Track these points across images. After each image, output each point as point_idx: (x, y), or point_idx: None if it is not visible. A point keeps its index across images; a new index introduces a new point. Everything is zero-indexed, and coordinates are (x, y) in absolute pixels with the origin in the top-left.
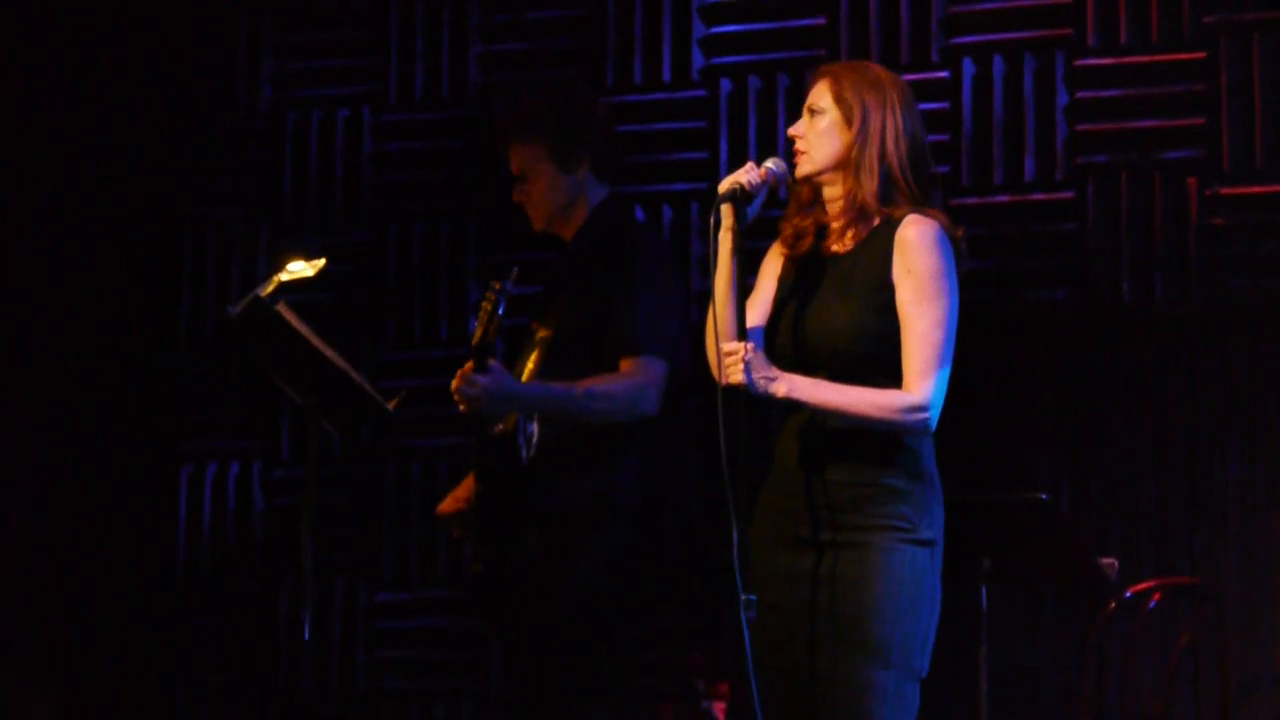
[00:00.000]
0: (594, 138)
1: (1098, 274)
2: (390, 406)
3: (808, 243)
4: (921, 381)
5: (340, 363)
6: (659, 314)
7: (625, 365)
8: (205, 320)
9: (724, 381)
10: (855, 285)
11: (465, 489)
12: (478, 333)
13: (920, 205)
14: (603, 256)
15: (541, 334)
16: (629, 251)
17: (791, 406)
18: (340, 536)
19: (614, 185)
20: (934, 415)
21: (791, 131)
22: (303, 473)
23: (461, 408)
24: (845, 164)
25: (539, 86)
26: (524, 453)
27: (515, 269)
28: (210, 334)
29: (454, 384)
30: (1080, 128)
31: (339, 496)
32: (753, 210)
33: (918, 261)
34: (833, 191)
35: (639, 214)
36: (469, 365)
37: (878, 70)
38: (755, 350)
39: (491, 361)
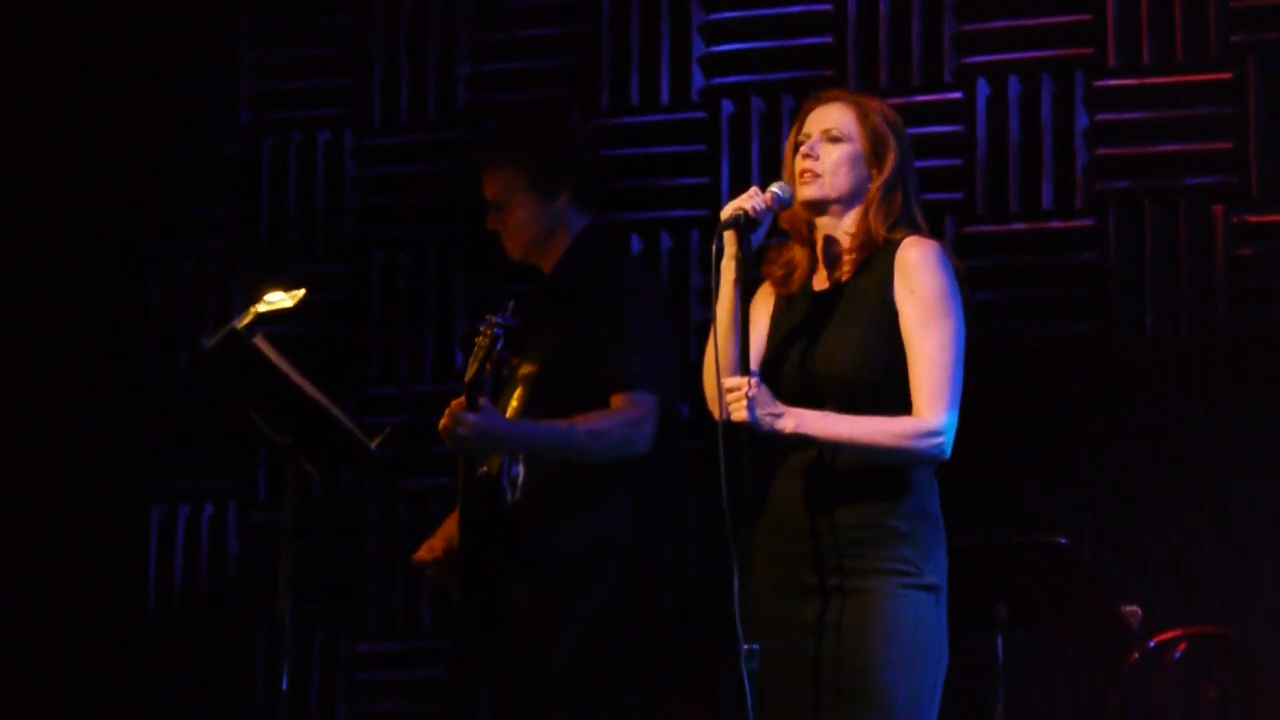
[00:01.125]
0: (575, 164)
1: (1119, 307)
2: (373, 445)
3: (799, 278)
4: (933, 405)
5: (321, 399)
6: (650, 348)
7: (617, 401)
8: (178, 354)
9: (726, 418)
10: (857, 311)
11: (443, 536)
12: (471, 368)
13: (920, 231)
14: (588, 288)
15: (525, 370)
16: (616, 282)
17: (792, 445)
18: (320, 583)
19: (596, 214)
20: (948, 441)
21: (806, 152)
22: (281, 515)
23: (453, 444)
24: (858, 198)
25: (517, 109)
26: (509, 495)
27: (511, 302)
28: (183, 368)
29: (442, 422)
30: (1101, 152)
31: (319, 541)
32: (757, 238)
33: (921, 282)
34: (835, 222)
35: (635, 243)
36: (458, 402)
37: (884, 104)
38: (759, 385)
39: (482, 400)
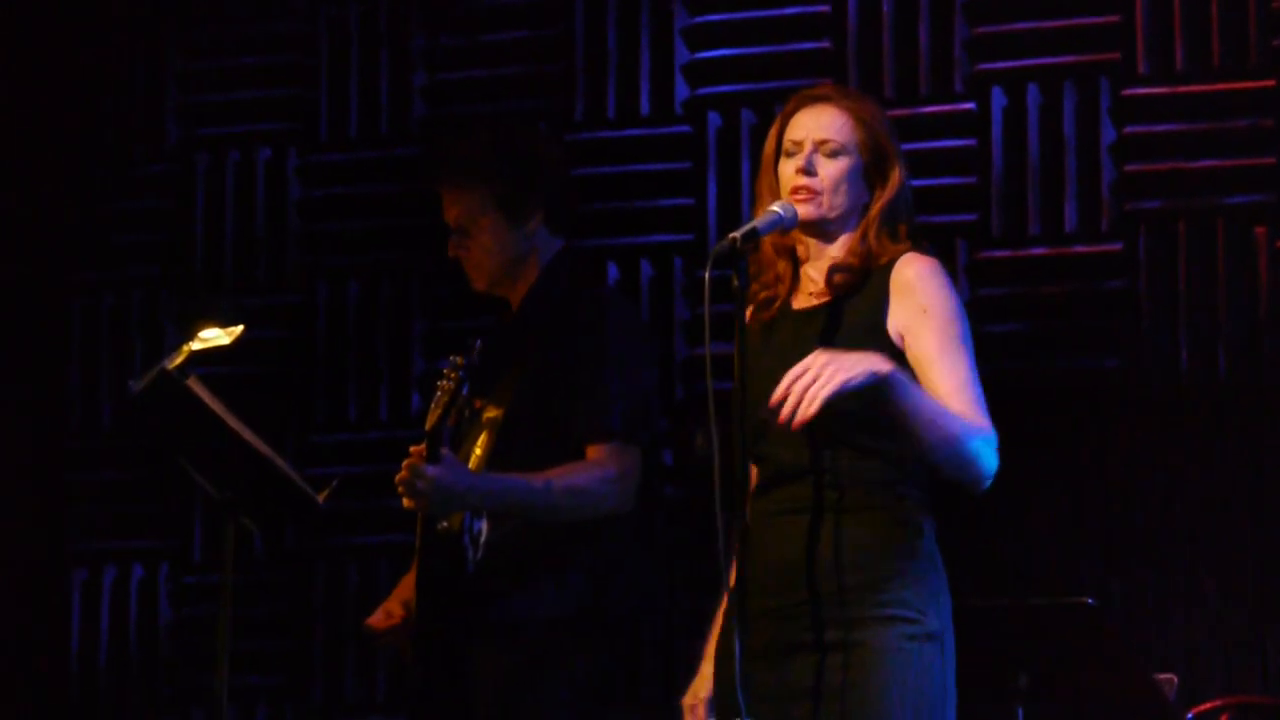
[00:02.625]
0: (548, 183)
1: (1150, 341)
2: (321, 498)
3: (780, 298)
4: (979, 420)
5: (262, 447)
6: (632, 393)
7: (594, 453)
8: (101, 398)
9: (800, 416)
10: (842, 335)
11: (399, 600)
12: (433, 415)
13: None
14: (562, 323)
15: (490, 413)
16: (594, 317)
17: (776, 480)
18: (262, 653)
19: (568, 238)
20: (996, 456)
21: (801, 167)
22: (218, 578)
23: (406, 503)
24: (854, 216)
25: (481, 123)
26: (471, 554)
27: (478, 341)
28: (108, 414)
29: (399, 475)
30: (1129, 168)
31: (261, 606)
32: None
33: (933, 301)
34: (823, 244)
35: (612, 270)
36: (416, 452)
37: (879, 108)
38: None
39: (444, 450)
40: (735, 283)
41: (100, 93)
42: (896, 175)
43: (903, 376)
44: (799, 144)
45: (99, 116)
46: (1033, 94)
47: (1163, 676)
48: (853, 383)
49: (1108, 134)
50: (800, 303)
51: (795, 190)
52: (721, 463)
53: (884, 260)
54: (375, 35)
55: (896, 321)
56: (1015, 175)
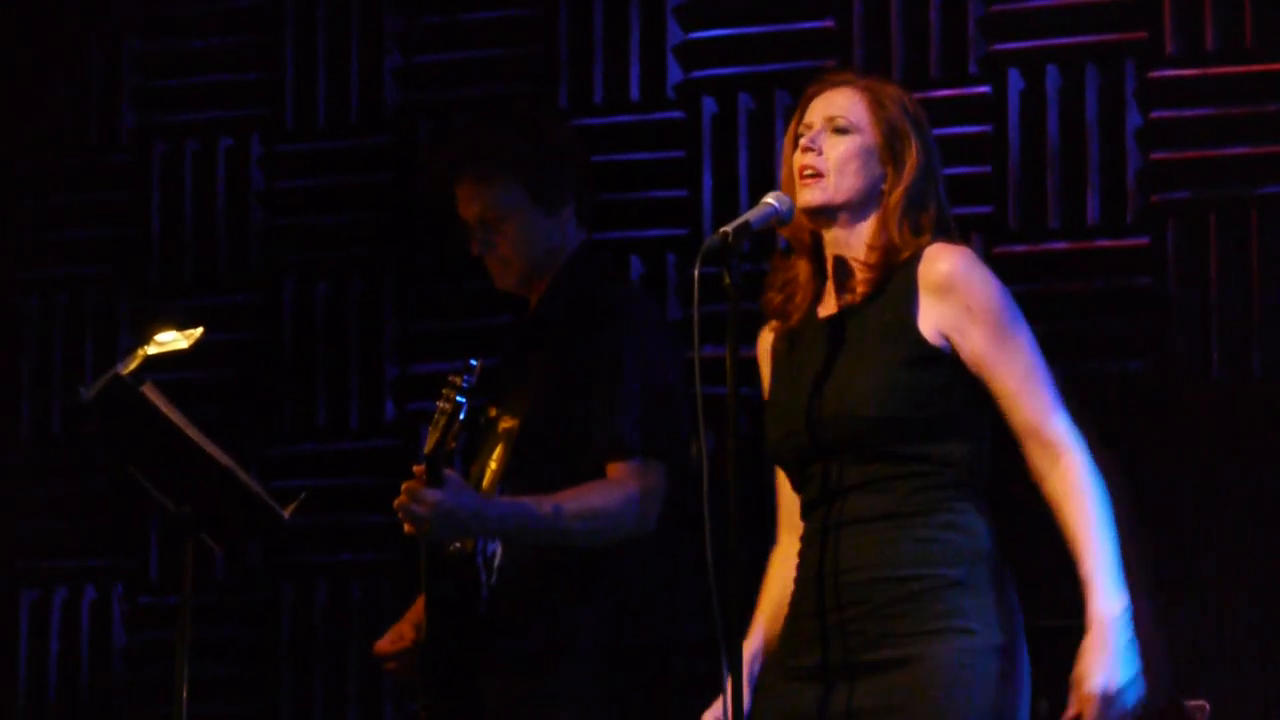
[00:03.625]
0: (578, 167)
1: (1180, 341)
2: (286, 513)
3: (802, 304)
4: (1064, 424)
5: (223, 458)
6: (657, 406)
7: (614, 471)
8: (51, 406)
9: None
10: (871, 337)
11: (413, 622)
12: (432, 437)
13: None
14: (583, 326)
15: (506, 424)
16: (612, 319)
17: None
18: (224, 679)
19: (590, 231)
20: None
21: (806, 144)
22: (176, 599)
23: (407, 528)
24: (871, 203)
25: (494, 106)
26: (485, 578)
27: (477, 362)
28: (57, 424)
29: (399, 499)
30: (1156, 156)
31: (222, 629)
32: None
33: (976, 295)
34: (845, 235)
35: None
36: (418, 473)
37: (905, 93)
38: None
39: (448, 472)
40: (727, 281)
41: (50, 76)
42: (914, 156)
43: (1127, 612)
44: (809, 127)
45: (49, 102)
46: (1052, 76)
47: (1193, 704)
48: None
49: (1133, 119)
50: (824, 309)
51: (801, 172)
52: (711, 473)
53: (905, 255)
54: (345, 15)
55: (937, 323)
56: (1033, 164)
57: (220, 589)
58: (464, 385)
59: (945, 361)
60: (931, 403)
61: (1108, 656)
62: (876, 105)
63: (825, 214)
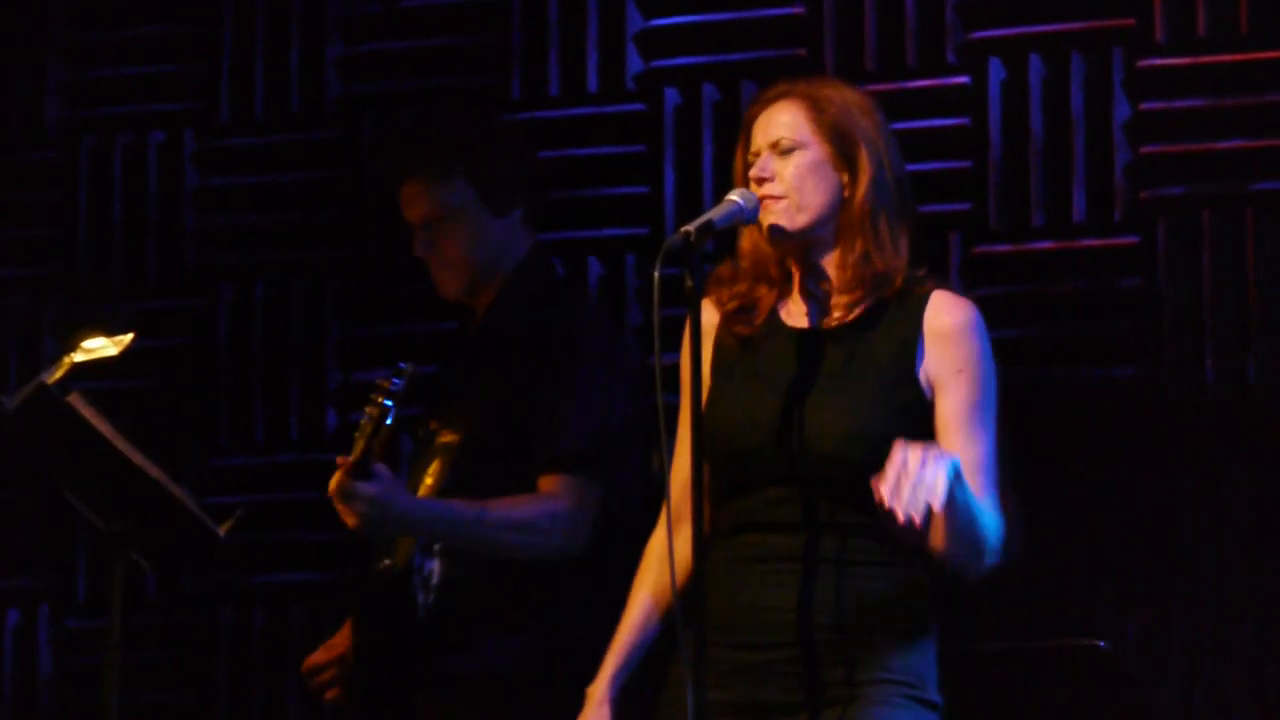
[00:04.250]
0: (527, 169)
1: (1172, 346)
2: (222, 530)
3: (761, 316)
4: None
5: (155, 472)
6: (597, 421)
7: (547, 484)
8: None
9: (906, 512)
10: (866, 375)
11: (344, 638)
12: (358, 447)
13: (933, 273)
14: (535, 342)
15: (446, 438)
16: (561, 331)
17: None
18: (157, 708)
19: (538, 234)
20: (999, 550)
21: (756, 174)
22: (106, 622)
23: (347, 522)
24: (838, 211)
25: (441, 101)
26: (421, 598)
27: (409, 366)
28: None
29: (333, 485)
30: (1146, 150)
31: (155, 653)
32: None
33: (971, 360)
34: (818, 252)
35: (558, 270)
36: (345, 463)
37: (848, 89)
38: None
39: (378, 466)
40: (689, 283)
41: None
42: (866, 159)
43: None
44: (757, 154)
45: None
46: (1035, 66)
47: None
48: (948, 466)
49: (1121, 111)
50: (795, 319)
51: (763, 203)
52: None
53: (898, 284)
54: (284, 2)
55: (929, 369)
56: (1015, 159)
57: (152, 611)
58: (392, 389)
59: (926, 418)
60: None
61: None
62: (816, 113)
63: (796, 239)
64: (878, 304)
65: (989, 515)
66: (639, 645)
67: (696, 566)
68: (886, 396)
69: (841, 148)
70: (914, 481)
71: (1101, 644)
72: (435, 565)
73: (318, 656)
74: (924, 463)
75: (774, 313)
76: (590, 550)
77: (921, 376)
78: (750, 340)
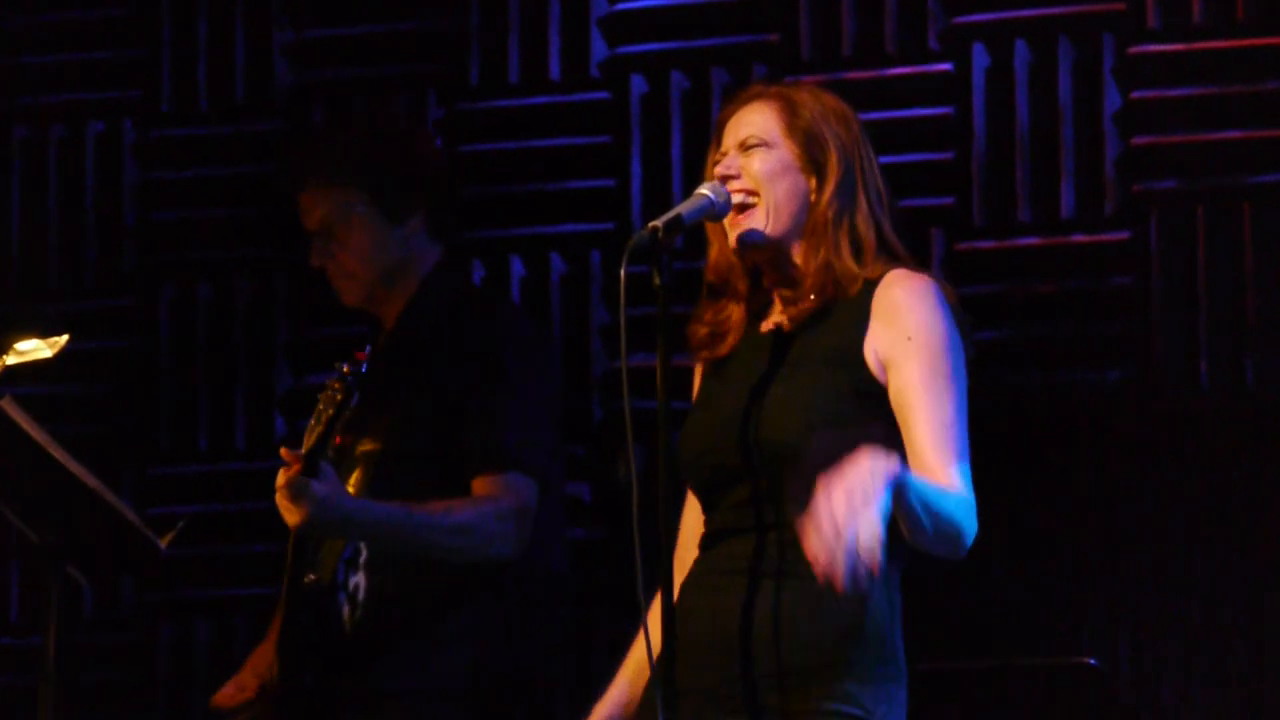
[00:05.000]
0: (428, 176)
1: (1165, 347)
2: (164, 543)
3: (732, 340)
4: (959, 479)
5: (92, 482)
6: (530, 420)
7: (485, 485)
8: None
9: (844, 581)
10: (812, 361)
11: (255, 669)
12: (313, 433)
13: (902, 262)
14: (448, 340)
15: (365, 447)
16: (487, 333)
17: (709, 543)
18: None
19: (448, 246)
20: (975, 524)
21: (722, 172)
22: (39, 640)
23: (291, 520)
24: (803, 219)
25: (344, 115)
26: (347, 612)
27: (369, 346)
28: None
29: (280, 481)
30: (1138, 142)
31: (92, 673)
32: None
33: (921, 327)
34: (780, 258)
35: (517, 266)
36: (291, 457)
37: (826, 95)
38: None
39: (325, 465)
40: (657, 281)
41: None
42: (835, 163)
43: (905, 470)
44: (725, 154)
45: None
46: (1021, 52)
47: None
48: (880, 501)
49: (1112, 100)
50: (766, 325)
51: (735, 206)
52: (642, 496)
53: (854, 289)
54: None
55: (877, 346)
56: (1000, 151)
57: (89, 629)
58: (354, 372)
59: (881, 398)
60: (865, 444)
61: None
62: (789, 114)
63: (767, 247)
64: (834, 299)
65: (955, 499)
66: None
67: (666, 594)
68: (832, 379)
69: (810, 152)
70: (845, 545)
71: (1092, 661)
72: (360, 579)
73: (224, 698)
74: (851, 511)
75: (747, 323)
76: (521, 559)
77: (869, 355)
78: (719, 363)
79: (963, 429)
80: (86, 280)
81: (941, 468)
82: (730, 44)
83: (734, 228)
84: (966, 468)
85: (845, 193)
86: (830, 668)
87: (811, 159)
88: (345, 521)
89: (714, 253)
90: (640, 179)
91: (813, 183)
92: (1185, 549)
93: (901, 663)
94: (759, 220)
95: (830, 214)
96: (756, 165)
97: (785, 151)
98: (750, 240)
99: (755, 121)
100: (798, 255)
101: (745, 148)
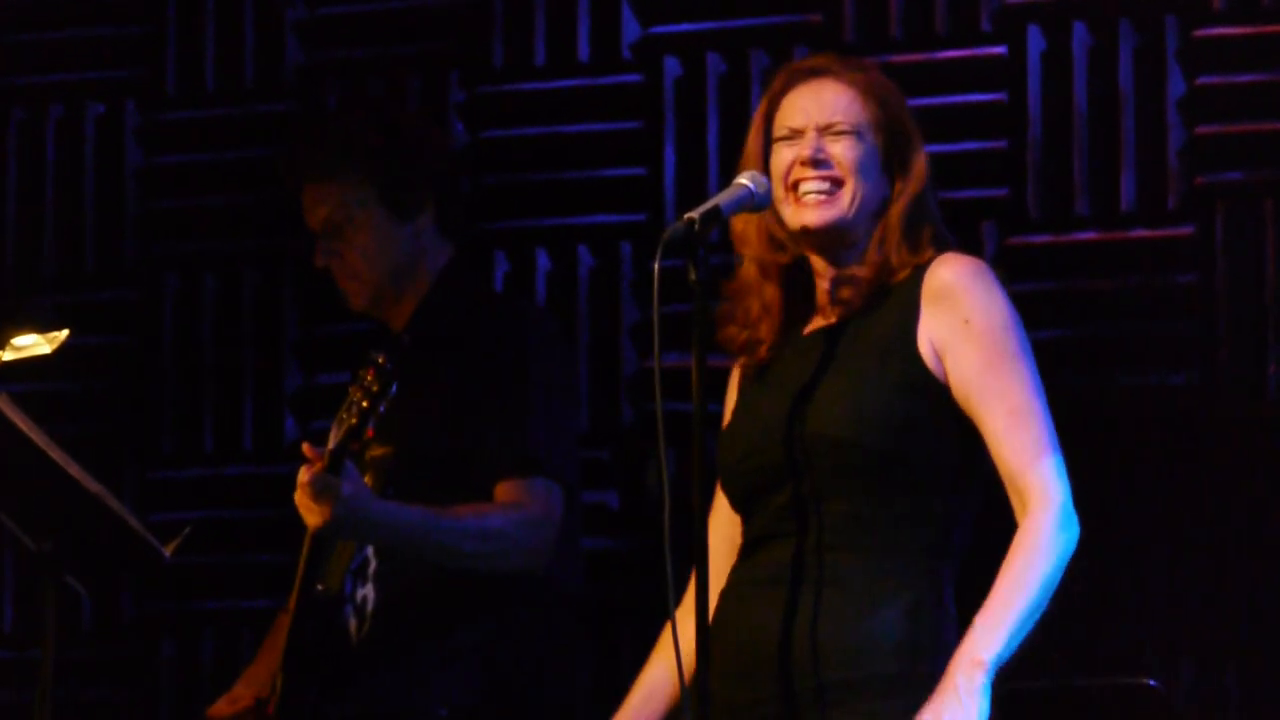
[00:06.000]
0: (438, 169)
1: (1231, 350)
2: (168, 551)
3: (768, 335)
4: (1047, 475)
5: (93, 485)
6: (556, 424)
7: (507, 491)
8: None
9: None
10: (860, 352)
11: (252, 681)
12: (347, 423)
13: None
14: (468, 341)
15: (376, 452)
16: (511, 332)
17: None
18: None
19: (460, 245)
20: (1075, 518)
21: (810, 156)
22: (36, 653)
23: (313, 521)
24: (875, 217)
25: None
26: (353, 626)
27: (406, 336)
28: None
29: (304, 478)
30: (1203, 130)
31: (91, 687)
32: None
33: (976, 308)
34: (841, 253)
35: (542, 260)
36: (314, 456)
37: (886, 77)
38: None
39: (350, 464)
40: (693, 276)
41: None
42: (922, 162)
43: (993, 664)
44: (799, 131)
45: None
46: (1079, 35)
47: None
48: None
49: (1175, 86)
50: (810, 326)
51: (797, 186)
52: (674, 504)
53: (902, 275)
54: None
55: (931, 335)
56: (1057, 139)
57: (88, 642)
58: (387, 364)
59: (937, 392)
60: (920, 437)
61: (950, 695)
62: (876, 105)
63: (834, 235)
64: (883, 290)
65: (1039, 558)
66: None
67: (701, 606)
68: (883, 373)
69: (897, 149)
70: None
71: (1152, 683)
72: (368, 590)
73: (220, 709)
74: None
75: (786, 325)
76: (536, 577)
77: (924, 346)
78: (764, 362)
79: (1042, 412)
80: (85, 272)
81: (1025, 465)
82: (770, 24)
83: (805, 210)
84: (1057, 457)
85: (925, 197)
86: (873, 683)
87: (898, 157)
88: (371, 524)
89: (752, 248)
90: (674, 167)
91: (895, 182)
92: (1252, 563)
93: (933, 659)
94: (842, 207)
95: (905, 217)
96: (847, 153)
97: (873, 145)
98: (821, 224)
99: (840, 106)
100: (863, 251)
101: (833, 132)
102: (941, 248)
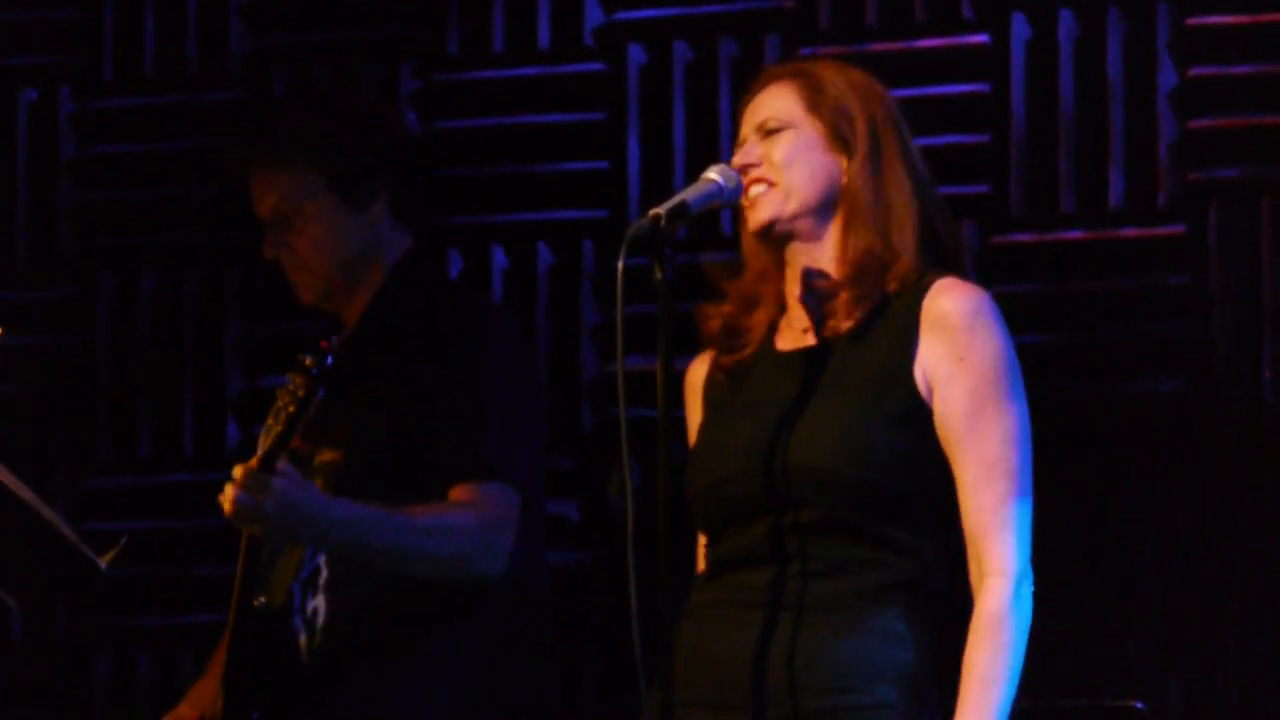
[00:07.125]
0: (393, 156)
1: (1224, 354)
2: (103, 562)
3: (756, 335)
4: (1004, 542)
5: (24, 493)
6: (513, 427)
7: (462, 493)
8: None
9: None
10: (852, 378)
11: (196, 702)
12: (275, 429)
13: (954, 267)
14: (421, 337)
15: (325, 457)
16: (465, 328)
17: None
18: None
19: (417, 233)
20: (1030, 582)
21: (741, 160)
22: None
23: (244, 521)
24: (834, 202)
25: (298, 89)
26: (303, 640)
27: (335, 338)
28: None
29: (233, 483)
30: (1195, 125)
31: (21, 707)
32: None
33: (972, 346)
34: (810, 248)
35: (499, 258)
36: (252, 462)
37: (852, 69)
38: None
39: (283, 463)
40: (658, 275)
41: None
42: (861, 136)
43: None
44: (744, 139)
45: None
46: (1066, 23)
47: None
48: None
49: (1167, 78)
50: (786, 342)
51: (747, 190)
52: (638, 515)
53: (893, 286)
54: None
55: (926, 366)
56: (1042, 133)
57: (17, 658)
58: (320, 365)
59: (927, 424)
60: (907, 476)
61: None
62: (812, 91)
63: (780, 228)
64: (880, 305)
65: (1004, 646)
66: None
67: (667, 633)
68: (877, 404)
69: (838, 127)
70: None
71: (1139, 705)
72: (319, 602)
73: None
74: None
75: (767, 337)
76: (500, 583)
77: (918, 375)
78: (739, 366)
79: (1019, 465)
80: (17, 268)
81: (986, 530)
82: (740, 11)
83: (750, 213)
84: (1022, 518)
85: (876, 165)
86: (851, 712)
87: (839, 135)
88: (313, 522)
89: (749, 248)
90: (639, 160)
91: (843, 162)
92: (1245, 574)
93: (934, 705)
94: (771, 202)
95: (865, 190)
96: (777, 151)
97: (809, 130)
98: (768, 227)
99: (773, 104)
100: (833, 240)
101: (765, 133)
102: (940, 263)
